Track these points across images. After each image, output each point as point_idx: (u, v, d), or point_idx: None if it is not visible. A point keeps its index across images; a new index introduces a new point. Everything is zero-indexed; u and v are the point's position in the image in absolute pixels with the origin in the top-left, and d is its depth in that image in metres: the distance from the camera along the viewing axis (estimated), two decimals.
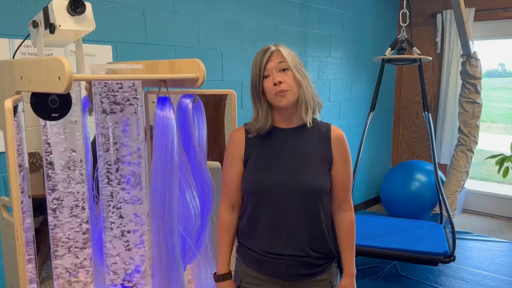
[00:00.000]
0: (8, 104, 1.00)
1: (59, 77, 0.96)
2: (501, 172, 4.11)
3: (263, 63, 1.37)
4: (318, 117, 1.48)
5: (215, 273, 1.49)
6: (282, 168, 1.39)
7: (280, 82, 1.35)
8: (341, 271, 1.53)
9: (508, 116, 6.49)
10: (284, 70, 1.37)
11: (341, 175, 1.44)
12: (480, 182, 5.33)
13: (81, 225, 1.33)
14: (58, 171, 1.28)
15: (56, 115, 1.13)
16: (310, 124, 1.42)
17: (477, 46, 4.51)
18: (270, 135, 1.45)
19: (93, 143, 1.39)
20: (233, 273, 1.53)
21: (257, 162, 1.43)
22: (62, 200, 1.29)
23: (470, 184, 4.80)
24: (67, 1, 1.16)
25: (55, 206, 1.29)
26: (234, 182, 1.45)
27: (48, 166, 1.27)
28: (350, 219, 1.48)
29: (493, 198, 4.69)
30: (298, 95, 1.39)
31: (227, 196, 1.47)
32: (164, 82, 1.31)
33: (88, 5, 1.20)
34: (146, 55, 2.66)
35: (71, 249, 1.32)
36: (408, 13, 3.03)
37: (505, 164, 4.09)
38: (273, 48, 1.38)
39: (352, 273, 1.48)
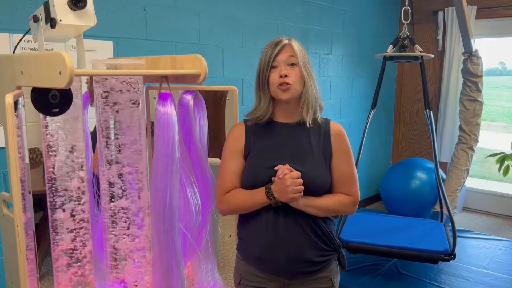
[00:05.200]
0: (9, 99, 0.99)
1: (60, 72, 0.95)
2: (501, 171, 4.11)
3: (273, 53, 1.38)
4: (318, 117, 1.48)
5: (268, 194, 1.36)
6: (282, 163, 1.38)
7: (286, 76, 1.36)
8: (342, 267, 1.53)
9: (508, 115, 6.49)
10: (292, 65, 1.38)
11: (341, 170, 1.44)
12: (480, 180, 5.33)
13: (81, 220, 1.32)
14: (58, 167, 1.27)
15: (57, 110, 1.12)
16: (309, 124, 1.42)
17: (478, 44, 4.50)
18: (270, 130, 1.45)
19: (94, 138, 1.38)
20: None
21: (257, 157, 1.43)
22: (62, 196, 1.29)
23: (470, 182, 4.80)
24: None
25: (55, 201, 1.28)
26: (232, 176, 1.45)
27: (48, 161, 1.27)
28: (348, 197, 1.45)
29: (493, 196, 4.69)
30: (301, 92, 1.40)
31: (223, 190, 1.46)
32: (165, 78, 1.31)
33: (89, 0, 1.19)
34: (147, 51, 2.65)
35: (71, 245, 1.31)
36: (410, 11, 3.01)
37: (506, 163, 4.08)
38: (285, 41, 1.40)
39: (297, 200, 1.35)
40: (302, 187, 1.33)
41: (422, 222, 3.31)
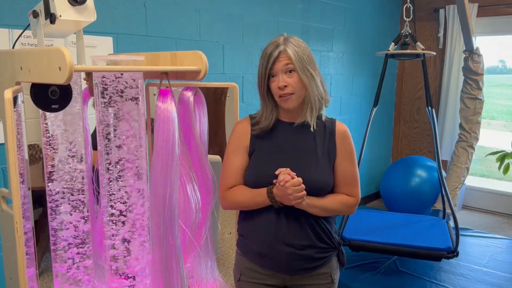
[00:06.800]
0: (8, 94, 0.98)
1: (59, 68, 0.94)
2: (501, 169, 4.10)
3: (269, 63, 1.36)
4: (324, 112, 1.47)
5: (270, 197, 1.37)
6: (287, 163, 1.38)
7: (285, 86, 1.35)
8: (341, 264, 1.53)
9: (508, 113, 6.48)
10: (290, 71, 1.36)
11: (344, 170, 1.43)
12: (480, 179, 5.33)
13: (81, 217, 1.32)
14: (58, 163, 1.27)
15: (56, 106, 1.11)
16: (314, 127, 1.40)
17: (478, 42, 4.50)
18: (276, 129, 1.45)
19: (94, 135, 1.38)
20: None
21: (262, 155, 1.43)
22: (62, 193, 1.28)
23: (470, 181, 4.80)
24: None
25: (55, 198, 1.28)
26: (236, 172, 1.45)
27: (47, 158, 1.26)
28: (350, 198, 1.45)
29: (492, 194, 4.69)
30: (304, 96, 1.39)
31: (226, 186, 1.46)
32: (165, 75, 1.30)
33: None
34: (147, 47, 2.64)
35: (70, 241, 1.31)
36: (411, 8, 3.00)
37: (506, 161, 4.08)
38: (281, 47, 1.36)
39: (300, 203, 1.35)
40: (304, 192, 1.32)
41: (425, 219, 3.30)
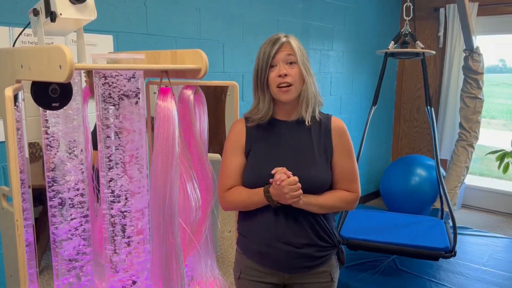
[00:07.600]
0: (9, 92, 0.99)
1: (60, 66, 0.95)
2: (501, 168, 4.11)
3: (272, 52, 1.36)
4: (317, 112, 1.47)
5: (267, 197, 1.37)
6: (284, 161, 1.38)
7: (285, 75, 1.35)
8: (341, 263, 1.53)
9: (508, 112, 6.47)
10: (291, 63, 1.36)
11: (342, 166, 1.43)
12: (480, 178, 5.33)
13: (81, 215, 1.32)
14: (58, 162, 1.27)
15: (57, 104, 1.11)
16: (308, 122, 1.40)
17: (478, 41, 4.50)
18: (271, 127, 1.44)
19: (94, 133, 1.38)
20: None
21: (259, 154, 1.43)
22: (62, 190, 1.29)
23: (470, 180, 4.80)
24: None
25: (55, 195, 1.28)
26: (234, 172, 1.45)
27: (48, 156, 1.27)
28: (349, 194, 1.44)
29: (492, 193, 4.70)
30: (301, 91, 1.39)
31: (225, 187, 1.46)
32: (166, 73, 1.30)
33: None
34: (147, 46, 2.64)
35: (70, 239, 1.31)
36: (411, 7, 3.00)
37: (506, 160, 4.08)
38: (283, 39, 1.37)
39: (297, 202, 1.35)
40: (301, 191, 1.31)
41: (423, 219, 3.31)
